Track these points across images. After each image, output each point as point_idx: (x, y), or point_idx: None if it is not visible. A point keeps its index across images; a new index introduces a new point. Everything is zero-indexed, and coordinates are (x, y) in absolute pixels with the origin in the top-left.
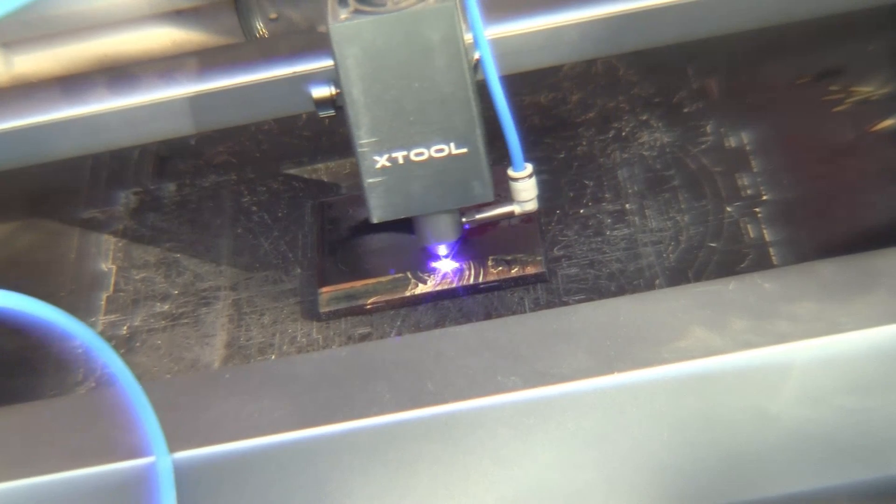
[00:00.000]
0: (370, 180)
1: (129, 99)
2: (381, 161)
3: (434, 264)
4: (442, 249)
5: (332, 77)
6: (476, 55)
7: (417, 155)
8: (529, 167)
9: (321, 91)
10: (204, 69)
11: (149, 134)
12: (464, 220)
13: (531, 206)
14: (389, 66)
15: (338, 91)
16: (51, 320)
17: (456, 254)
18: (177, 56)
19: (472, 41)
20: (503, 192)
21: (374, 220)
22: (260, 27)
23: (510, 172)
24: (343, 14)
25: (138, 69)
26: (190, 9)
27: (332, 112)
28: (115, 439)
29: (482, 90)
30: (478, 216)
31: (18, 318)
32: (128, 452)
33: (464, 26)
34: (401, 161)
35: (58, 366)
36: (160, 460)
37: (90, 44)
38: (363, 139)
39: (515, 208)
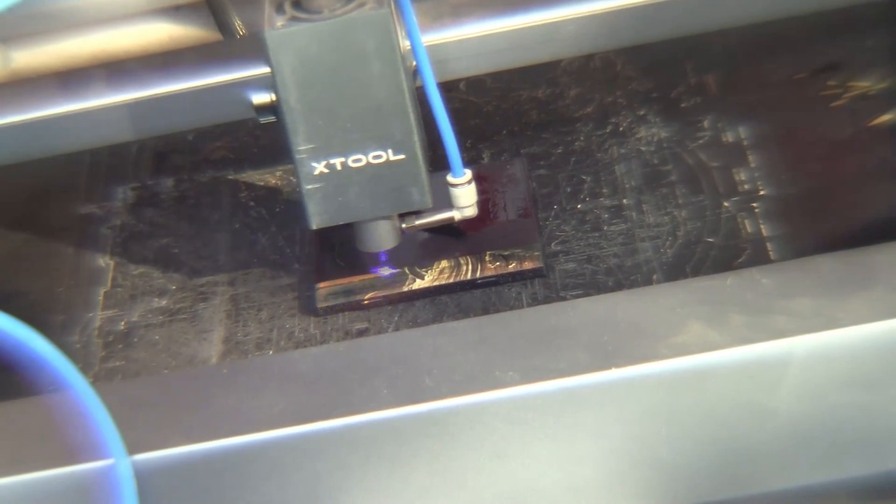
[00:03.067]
0: (308, 187)
1: (127, 94)
2: (319, 168)
3: (373, 270)
4: (382, 255)
5: (270, 83)
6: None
7: (355, 161)
8: (468, 173)
9: (261, 98)
10: (202, 65)
11: (147, 129)
12: (403, 226)
13: (470, 211)
14: (326, 73)
15: (277, 97)
16: None
17: (392, 260)
18: (174, 51)
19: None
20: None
21: (313, 227)
22: (238, 25)
23: (449, 179)
24: (279, 21)
25: (136, 65)
26: (188, 4)
27: (272, 118)
28: (80, 441)
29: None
30: (417, 222)
31: None
32: (91, 455)
33: (401, 32)
34: (339, 167)
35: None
36: (119, 463)
37: (88, 39)
38: (300, 146)
39: (455, 214)
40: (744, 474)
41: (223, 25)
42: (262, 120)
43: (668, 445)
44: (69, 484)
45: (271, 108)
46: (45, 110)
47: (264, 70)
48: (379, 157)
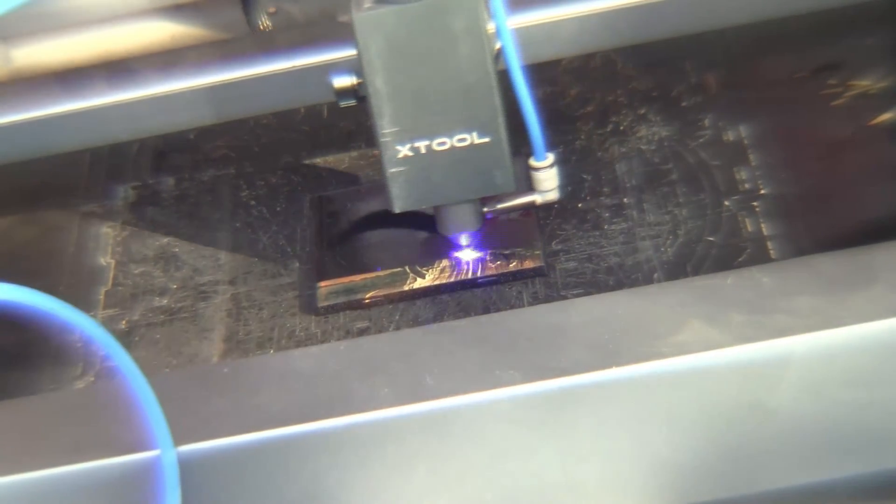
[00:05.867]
0: (392, 170)
1: (128, 93)
2: (404, 150)
3: (455, 254)
4: (463, 239)
5: (353, 67)
6: (498, 45)
7: (440, 144)
8: (551, 157)
9: (342, 81)
10: (203, 63)
11: (147, 128)
12: (485, 209)
13: (553, 195)
14: (412, 55)
15: (359, 81)
16: (55, 313)
17: (477, 243)
18: (175, 50)
19: (494, 30)
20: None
21: (396, 210)
22: (263, 21)
23: (531, 162)
24: (367, 3)
25: (137, 64)
26: (189, 4)
27: (353, 102)
28: (120, 432)
29: (503, 79)
30: (499, 206)
31: (17, 311)
32: (133, 446)
33: (486, 15)
34: (423, 150)
35: (56, 360)
36: (165, 454)
37: (89, 38)
38: (386, 129)
39: (537, 198)
40: (744, 474)
41: (251, 20)
42: (342, 104)
43: (668, 444)
44: (113, 474)
45: (352, 92)
46: (47, 109)
47: (261, 68)
48: (464, 140)
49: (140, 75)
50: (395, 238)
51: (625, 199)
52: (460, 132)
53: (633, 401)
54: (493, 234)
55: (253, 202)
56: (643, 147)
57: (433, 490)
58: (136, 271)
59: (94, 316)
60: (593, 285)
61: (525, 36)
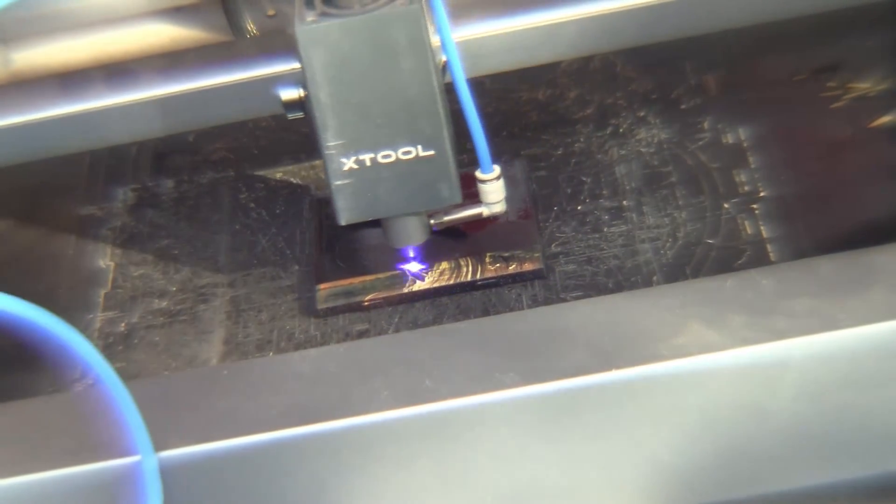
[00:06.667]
0: (337, 182)
1: (128, 96)
2: (349, 163)
3: (402, 266)
4: (410, 251)
5: (300, 79)
6: (443, 58)
7: (384, 157)
8: (497, 169)
9: (290, 93)
10: (202, 66)
11: (147, 130)
12: (432, 222)
13: (499, 207)
14: (356, 68)
15: (306, 93)
16: (27, 318)
17: (423, 255)
18: (175, 53)
19: (439, 43)
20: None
21: (342, 223)
22: (250, 25)
23: (478, 174)
24: (310, 16)
25: (136, 66)
26: (188, 6)
27: (300, 114)
28: (103, 438)
29: (450, 92)
30: (446, 218)
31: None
32: (115, 451)
33: (431, 28)
34: (368, 163)
35: (56, 362)
36: (145, 460)
37: (88, 40)
38: (330, 141)
39: (484, 210)
40: (744, 475)
41: (235, 25)
42: (290, 116)
43: (668, 446)
44: (93, 480)
45: (300, 104)
46: (45, 111)
47: (261, 70)
48: (408, 152)
49: (139, 77)
50: None
51: (624, 202)
52: (405, 145)
53: (632, 403)
54: (493, 236)
55: (252, 204)
56: (642, 149)
57: (433, 493)
58: (136, 273)
59: (93, 318)
60: (593, 288)
61: (524, 38)
